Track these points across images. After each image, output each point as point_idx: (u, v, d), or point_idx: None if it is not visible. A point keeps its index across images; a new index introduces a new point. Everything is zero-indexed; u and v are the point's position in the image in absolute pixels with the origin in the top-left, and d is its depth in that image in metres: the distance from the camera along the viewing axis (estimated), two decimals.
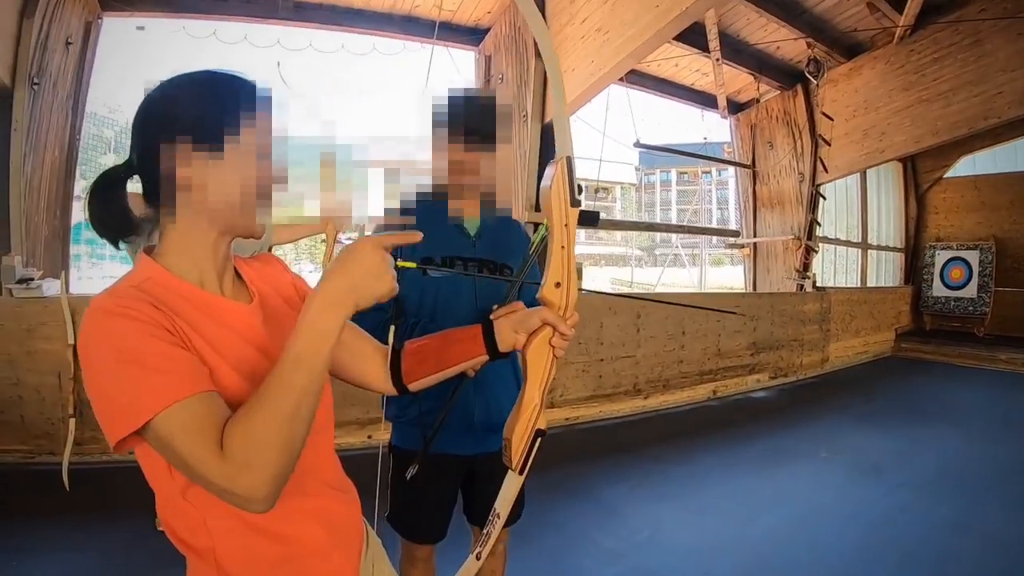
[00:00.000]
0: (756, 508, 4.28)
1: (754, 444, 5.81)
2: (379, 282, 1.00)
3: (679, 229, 12.22)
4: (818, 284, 10.18)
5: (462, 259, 2.02)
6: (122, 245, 1.08)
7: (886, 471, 5.07)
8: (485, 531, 1.44)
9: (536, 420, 1.32)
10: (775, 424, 6.59)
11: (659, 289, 14.34)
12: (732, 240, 11.98)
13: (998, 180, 12.50)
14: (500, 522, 1.42)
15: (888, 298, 12.16)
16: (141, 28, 6.73)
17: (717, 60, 8.94)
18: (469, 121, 1.70)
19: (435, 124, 1.72)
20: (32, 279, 4.69)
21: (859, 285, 12.57)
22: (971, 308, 12.06)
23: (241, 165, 1.03)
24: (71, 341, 4.40)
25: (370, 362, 1.35)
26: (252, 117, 1.04)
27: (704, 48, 8.79)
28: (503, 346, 1.33)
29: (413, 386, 1.35)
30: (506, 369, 2.10)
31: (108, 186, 1.04)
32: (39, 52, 5.21)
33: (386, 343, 1.42)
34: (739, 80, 10.32)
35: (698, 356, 7.47)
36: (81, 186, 6.08)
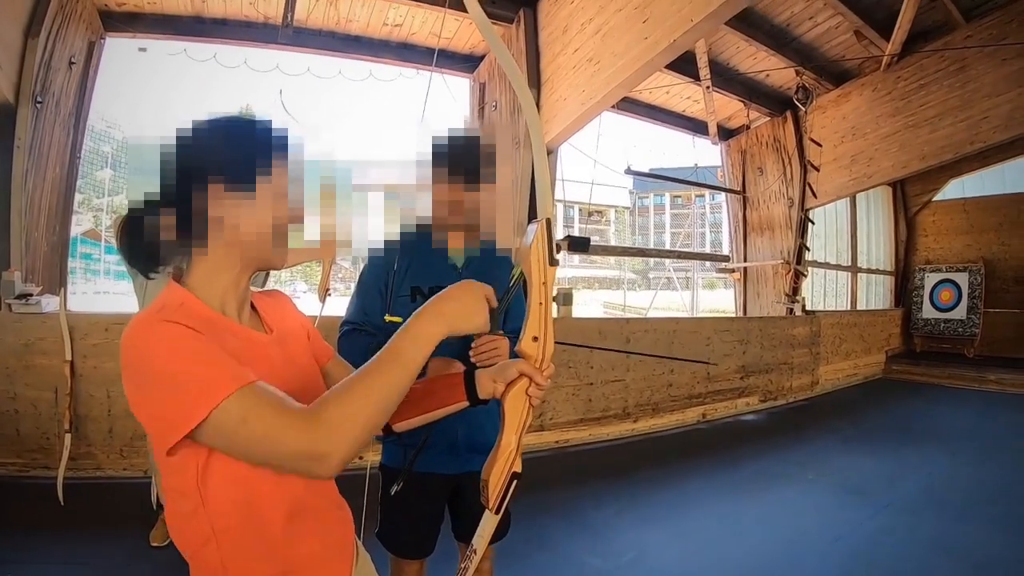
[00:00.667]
0: (741, 531, 4.31)
1: (742, 467, 5.83)
2: (476, 317, 1.17)
3: (669, 254, 12.30)
4: (808, 308, 10.28)
5: (441, 288, 2.08)
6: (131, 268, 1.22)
7: (872, 493, 5.10)
8: (463, 565, 1.51)
9: (512, 464, 1.41)
10: (763, 447, 6.62)
11: (652, 312, 14.38)
12: (723, 264, 12.09)
13: (986, 203, 12.67)
14: (476, 558, 1.49)
15: (878, 321, 12.25)
16: (143, 49, 6.84)
17: (708, 88, 9.06)
18: (453, 160, 1.76)
19: (419, 163, 1.78)
20: (31, 295, 4.74)
21: (849, 308, 12.65)
22: (961, 330, 12.17)
23: (272, 204, 1.14)
24: (68, 357, 4.45)
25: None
26: (283, 159, 1.16)
27: (695, 76, 8.93)
28: (483, 394, 1.44)
29: (397, 427, 1.45)
30: None
31: (139, 221, 1.12)
32: (43, 71, 5.28)
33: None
34: (729, 107, 10.46)
35: (688, 380, 7.52)
36: (78, 200, 6.15)
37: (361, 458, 5.14)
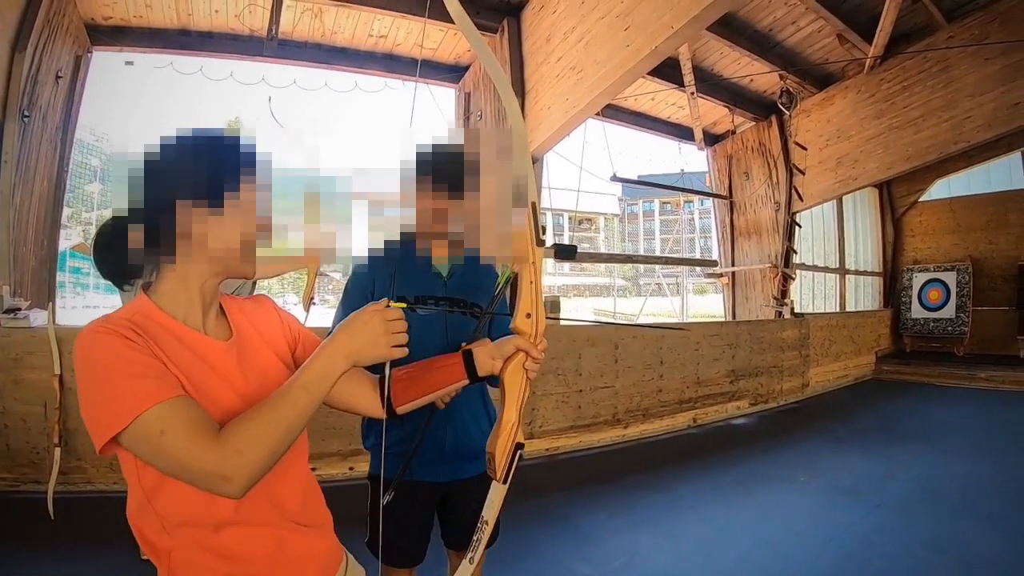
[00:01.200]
0: (733, 534, 4.32)
1: (733, 471, 5.83)
2: (376, 349, 1.21)
3: (657, 260, 12.36)
4: (796, 310, 10.32)
5: (434, 298, 2.13)
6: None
7: (864, 493, 5.11)
8: (475, 537, 1.55)
9: (515, 435, 1.49)
10: (754, 450, 6.62)
11: (641, 318, 14.44)
12: (711, 269, 12.14)
13: (973, 202, 12.78)
14: (488, 528, 1.54)
15: (867, 322, 12.29)
16: (130, 63, 6.87)
17: (692, 94, 9.14)
18: (437, 170, 1.79)
19: (403, 175, 1.81)
20: (19, 309, 4.73)
21: (838, 310, 12.71)
22: (950, 328, 12.24)
23: (240, 219, 1.18)
24: (57, 371, 4.42)
25: (362, 389, 1.48)
26: (251, 173, 1.19)
27: (679, 82, 8.99)
28: (482, 371, 1.51)
29: (400, 409, 1.49)
30: (476, 401, 2.23)
31: (113, 235, 1.18)
32: (30, 85, 5.28)
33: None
34: (714, 112, 10.54)
35: (677, 385, 7.52)
36: (67, 214, 6.14)
37: (351, 468, 5.13)
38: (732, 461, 6.18)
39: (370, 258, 2.06)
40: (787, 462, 6.11)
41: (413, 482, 2.13)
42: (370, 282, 2.12)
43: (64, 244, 5.64)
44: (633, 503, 4.88)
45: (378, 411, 1.48)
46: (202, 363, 1.17)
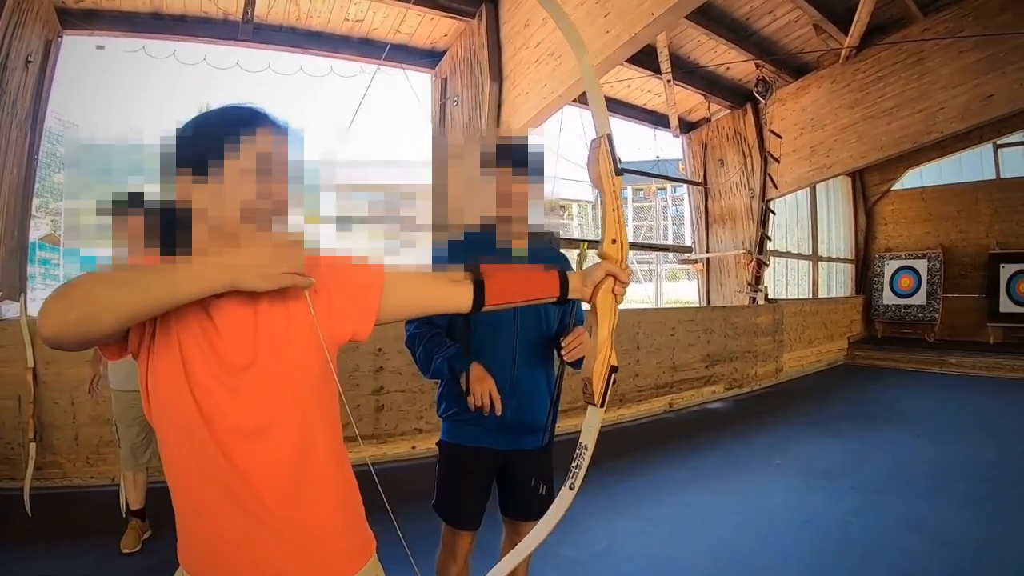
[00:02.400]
0: (711, 516, 4.37)
1: (709, 454, 5.90)
2: (258, 273, 1.06)
3: (633, 247, 12.41)
4: (770, 296, 10.47)
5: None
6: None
7: (839, 475, 5.19)
8: (575, 463, 1.60)
9: (609, 358, 1.54)
10: (730, 434, 6.72)
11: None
12: (685, 256, 12.22)
13: (944, 191, 12.98)
14: (588, 453, 1.59)
15: (840, 308, 12.51)
16: (101, 47, 6.72)
17: (668, 81, 9.15)
18: (518, 157, 1.91)
19: (483, 160, 1.91)
20: None
21: (811, 296, 12.84)
22: (921, 315, 12.46)
23: (234, 187, 1.14)
24: (30, 364, 4.34)
25: (451, 294, 1.43)
26: (247, 140, 1.15)
27: (656, 70, 9.00)
28: (572, 294, 1.52)
29: (488, 308, 1.46)
30: (540, 379, 2.35)
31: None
32: None
33: (422, 347, 2.18)
34: (690, 100, 10.56)
35: (653, 370, 7.59)
36: (35, 204, 6.03)
37: (414, 448, 5.18)
38: (709, 445, 6.26)
39: (450, 247, 2.04)
40: (763, 445, 6.20)
41: (476, 448, 2.31)
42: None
43: (33, 235, 5.52)
44: (612, 487, 4.91)
45: (464, 306, 1.43)
46: (191, 315, 1.13)
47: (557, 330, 2.35)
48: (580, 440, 1.60)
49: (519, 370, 2.27)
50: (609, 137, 1.54)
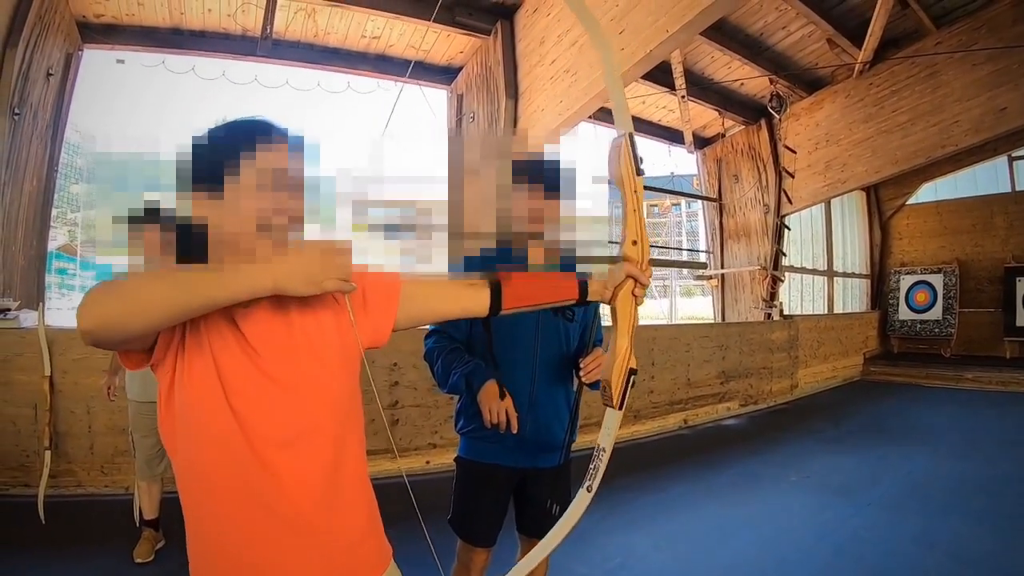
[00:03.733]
0: (726, 533, 4.34)
1: (725, 471, 5.86)
2: (306, 279, 1.07)
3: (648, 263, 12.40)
4: (785, 312, 10.42)
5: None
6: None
7: (854, 491, 5.15)
8: (592, 465, 1.62)
9: (628, 361, 1.55)
10: (745, 451, 6.66)
11: None
12: (700, 272, 12.21)
13: (959, 205, 12.92)
14: (606, 455, 1.61)
15: (855, 323, 12.42)
16: (121, 61, 6.82)
17: (683, 97, 9.18)
18: (549, 176, 1.89)
19: (515, 176, 1.90)
20: (9, 309, 4.71)
21: (826, 312, 12.80)
22: (937, 330, 12.38)
23: (246, 202, 1.16)
24: (47, 372, 4.37)
25: (467, 298, 1.44)
26: (251, 156, 1.16)
27: (670, 86, 9.04)
28: (592, 296, 1.52)
29: (505, 311, 1.46)
30: (560, 397, 2.34)
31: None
32: (21, 82, 5.22)
33: (440, 361, 2.21)
34: (704, 116, 10.61)
35: (668, 386, 7.57)
36: (53, 215, 6.08)
37: (428, 462, 5.19)
38: (723, 461, 6.22)
39: (466, 263, 2.08)
40: (778, 462, 6.16)
41: (492, 465, 2.30)
42: None
43: (50, 245, 5.58)
44: (627, 503, 4.89)
45: (481, 310, 1.45)
46: (222, 321, 1.16)
47: (577, 348, 2.34)
48: (598, 443, 1.62)
49: (538, 387, 2.26)
50: (631, 136, 1.55)
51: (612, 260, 1.54)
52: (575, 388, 2.36)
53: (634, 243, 1.54)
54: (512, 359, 2.26)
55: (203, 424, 1.13)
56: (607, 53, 1.65)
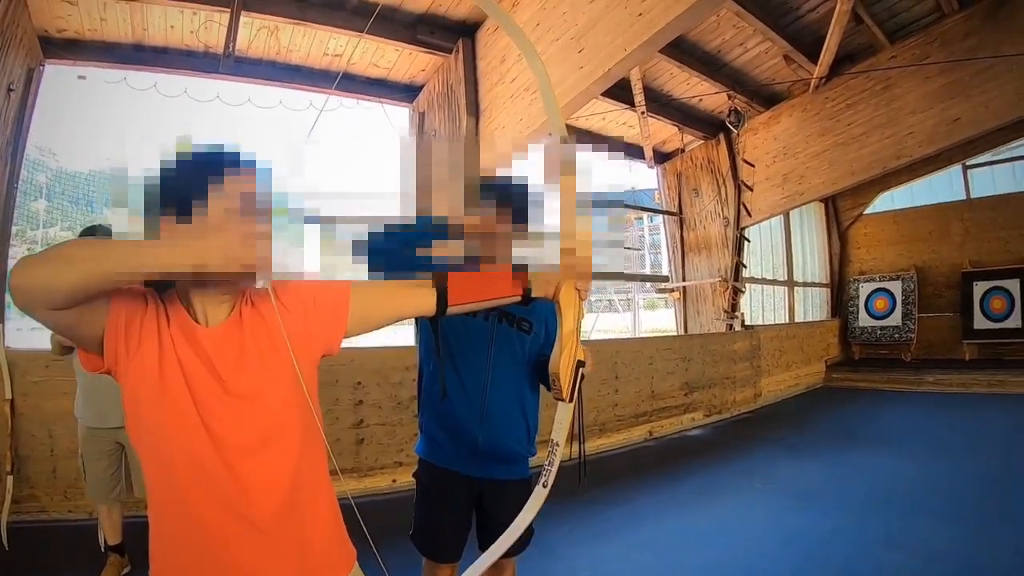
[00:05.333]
0: (693, 542, 4.40)
1: (690, 481, 5.94)
2: (225, 258, 1.13)
3: (610, 277, 12.51)
4: (747, 323, 10.60)
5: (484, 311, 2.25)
6: None
7: (819, 496, 5.24)
8: (547, 460, 1.67)
9: (576, 353, 1.60)
10: (710, 460, 6.75)
11: (594, 335, 14.57)
12: (662, 285, 12.33)
13: (916, 213, 13.24)
14: (560, 449, 1.66)
15: (816, 331, 12.64)
16: (83, 77, 6.71)
17: (643, 113, 9.28)
18: (517, 199, 1.92)
19: (483, 196, 1.90)
20: None
21: (787, 321, 12.96)
22: (897, 335, 12.62)
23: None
24: (8, 396, 4.31)
25: (409, 293, 1.49)
26: (219, 184, 1.21)
27: (630, 102, 9.14)
28: (536, 293, 1.57)
29: (451, 310, 1.50)
30: (514, 408, 2.36)
31: None
32: None
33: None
34: (664, 131, 10.76)
35: (632, 399, 7.63)
36: (13, 232, 5.98)
37: (395, 481, 5.16)
38: (690, 471, 6.29)
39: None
40: (743, 470, 6.24)
41: (450, 472, 2.31)
42: None
43: (10, 263, 5.48)
44: (594, 515, 4.92)
45: (429, 309, 1.49)
46: (187, 341, 1.23)
47: (535, 361, 2.36)
48: (552, 437, 1.67)
49: (490, 397, 2.29)
50: (563, 140, 1.61)
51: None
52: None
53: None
54: (465, 368, 2.29)
55: (176, 438, 1.20)
56: (535, 61, 1.74)
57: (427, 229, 1.63)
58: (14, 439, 4.35)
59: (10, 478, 4.25)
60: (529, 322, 2.35)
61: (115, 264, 1.06)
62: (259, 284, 1.32)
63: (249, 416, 1.24)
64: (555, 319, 1.68)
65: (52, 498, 4.53)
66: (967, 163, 12.27)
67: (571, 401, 1.64)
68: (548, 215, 1.66)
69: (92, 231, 3.32)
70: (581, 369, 1.63)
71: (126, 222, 1.19)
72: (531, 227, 1.86)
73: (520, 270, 1.60)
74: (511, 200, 1.90)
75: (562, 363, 1.60)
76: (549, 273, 1.58)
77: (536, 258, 1.66)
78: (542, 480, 1.68)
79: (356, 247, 1.58)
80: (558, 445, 1.67)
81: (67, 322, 1.11)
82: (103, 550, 3.74)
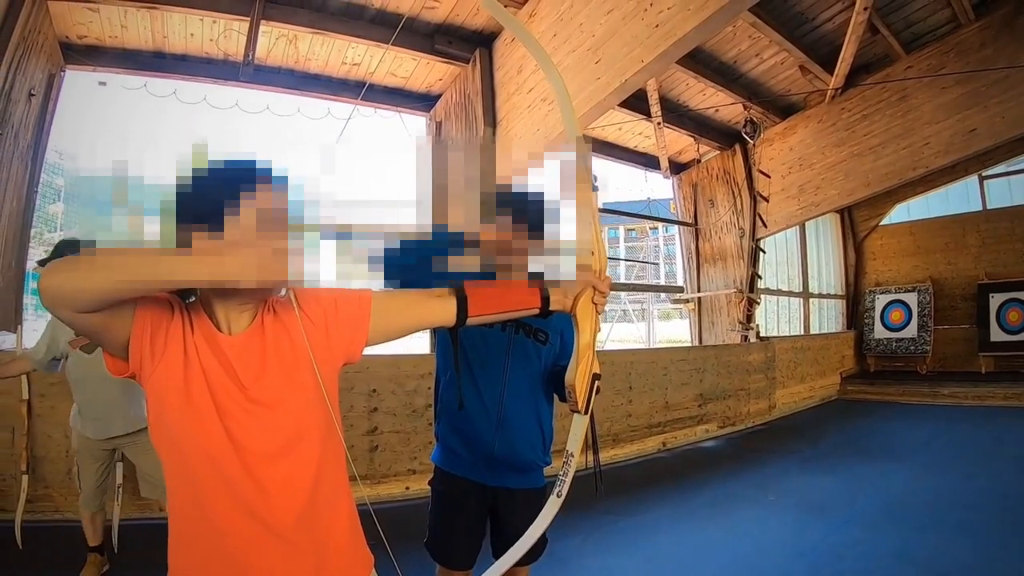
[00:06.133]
0: (705, 553, 4.38)
1: (703, 492, 5.91)
2: (243, 273, 1.13)
3: (624, 287, 12.49)
4: (762, 334, 10.56)
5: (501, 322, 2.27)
6: None
7: (832, 510, 5.20)
8: (562, 471, 1.69)
9: (592, 366, 1.63)
10: (724, 472, 6.72)
11: (609, 345, 14.54)
12: (677, 295, 12.31)
13: (932, 225, 13.14)
14: (574, 460, 1.69)
15: (831, 343, 12.56)
16: (103, 83, 6.80)
17: (659, 124, 9.28)
18: (533, 212, 1.90)
19: (499, 208, 1.90)
20: None
21: (802, 333, 12.91)
22: (912, 348, 12.51)
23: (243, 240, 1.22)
24: (25, 396, 4.35)
25: (428, 305, 1.52)
26: (252, 195, 1.23)
27: (646, 113, 9.15)
28: (554, 306, 1.60)
29: (471, 320, 1.53)
30: (530, 417, 2.37)
31: None
32: (2, 102, 5.17)
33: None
34: (680, 142, 10.77)
35: (646, 409, 7.62)
36: (32, 234, 6.03)
37: (408, 488, 5.18)
38: (702, 483, 6.26)
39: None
40: (756, 482, 6.20)
41: (464, 481, 2.34)
42: None
43: (29, 265, 5.55)
44: (607, 527, 4.91)
45: (449, 319, 1.51)
46: (211, 351, 1.26)
47: (550, 370, 2.38)
48: (567, 448, 1.70)
49: (507, 407, 2.31)
50: (579, 149, 1.65)
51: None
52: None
53: (592, 253, 1.63)
54: (482, 378, 2.31)
55: (198, 445, 1.22)
56: (557, 81, 1.76)
57: (442, 244, 1.65)
58: (30, 439, 4.39)
59: (25, 477, 4.29)
60: (545, 333, 2.37)
61: (146, 274, 1.07)
62: (281, 293, 1.36)
63: (271, 423, 1.26)
64: (570, 329, 1.71)
65: (66, 498, 4.57)
66: (983, 174, 12.19)
67: (586, 413, 1.67)
68: (564, 227, 1.68)
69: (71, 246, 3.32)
70: (596, 382, 1.66)
71: (143, 229, 1.21)
72: (547, 239, 1.85)
73: (537, 282, 1.63)
74: (527, 212, 1.89)
75: (578, 375, 1.63)
76: (566, 285, 1.61)
77: (552, 270, 1.68)
78: (556, 490, 1.70)
79: (372, 263, 1.60)
80: (572, 456, 1.70)
81: (92, 324, 1.12)
82: (89, 550, 3.80)
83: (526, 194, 1.93)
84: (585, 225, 1.62)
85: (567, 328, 1.98)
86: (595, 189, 1.66)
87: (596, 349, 1.68)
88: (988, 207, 12.53)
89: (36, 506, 4.46)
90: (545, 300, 1.59)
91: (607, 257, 1.67)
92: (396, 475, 5.49)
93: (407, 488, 5.48)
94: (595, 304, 1.64)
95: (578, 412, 1.67)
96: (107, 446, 3.69)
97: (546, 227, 1.87)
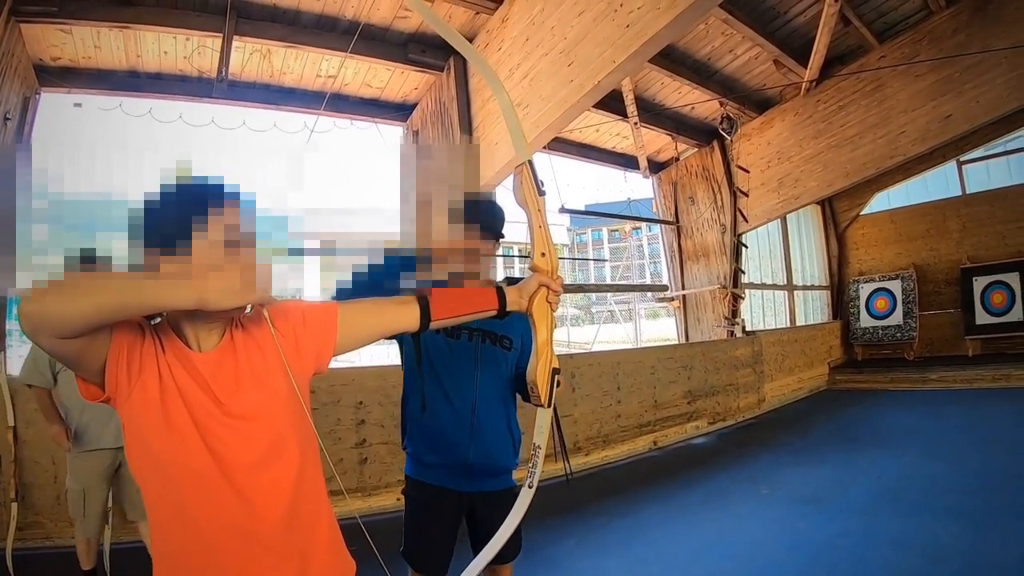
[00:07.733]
0: (700, 551, 4.39)
1: (696, 489, 5.93)
2: (226, 296, 1.16)
3: (608, 288, 12.54)
4: (748, 328, 10.60)
5: (468, 328, 2.36)
6: None
7: (825, 500, 5.22)
8: (531, 463, 1.76)
9: (551, 362, 1.72)
10: (715, 468, 6.74)
11: (596, 346, 14.56)
12: (662, 294, 12.33)
13: (912, 212, 13.25)
14: (542, 451, 1.77)
15: (818, 334, 12.64)
16: (78, 105, 6.74)
17: (636, 124, 9.28)
18: (484, 218, 2.00)
19: (451, 217, 1.89)
20: None
21: (788, 325, 12.96)
22: (899, 334, 12.60)
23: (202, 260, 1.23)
24: (11, 423, 4.32)
25: (398, 314, 1.55)
26: (219, 212, 1.26)
27: (623, 113, 9.15)
28: (510, 306, 1.66)
29: (434, 324, 1.58)
30: (501, 423, 2.41)
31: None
32: None
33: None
34: (658, 141, 10.79)
35: (635, 409, 7.63)
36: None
37: (399, 499, 5.14)
38: (695, 480, 6.28)
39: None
40: (749, 476, 6.23)
41: (440, 489, 2.37)
42: None
43: (11, 291, 5.45)
44: (599, 528, 4.93)
45: (413, 324, 1.56)
46: (183, 367, 1.27)
47: (512, 374, 2.43)
48: (534, 440, 1.77)
49: (479, 414, 2.34)
50: (530, 163, 1.75)
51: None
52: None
53: (543, 255, 1.72)
54: (453, 389, 2.35)
55: (180, 461, 1.23)
56: (500, 92, 1.83)
57: (392, 268, 1.70)
58: (18, 467, 4.36)
59: (15, 505, 4.26)
60: (509, 339, 2.42)
61: (131, 298, 1.09)
62: (247, 309, 1.38)
63: (250, 435, 1.29)
64: (531, 334, 1.77)
65: (56, 525, 4.53)
66: (961, 159, 12.31)
67: (549, 406, 1.76)
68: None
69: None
70: (557, 376, 1.74)
71: (123, 252, 1.24)
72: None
73: (492, 283, 1.73)
74: (479, 216, 1.93)
75: (539, 371, 1.71)
76: (521, 286, 1.69)
77: (507, 272, 1.72)
78: (527, 481, 1.77)
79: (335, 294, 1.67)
80: (540, 447, 1.77)
81: (71, 351, 1.13)
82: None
83: (478, 200, 1.97)
84: (536, 229, 1.72)
85: (528, 331, 2.01)
86: (542, 194, 1.75)
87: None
88: (967, 192, 12.63)
89: (26, 533, 4.42)
90: (502, 301, 1.65)
91: (558, 258, 1.76)
92: (387, 486, 5.46)
93: (398, 499, 5.44)
94: (549, 303, 1.72)
95: (541, 406, 1.76)
96: (108, 457, 3.66)
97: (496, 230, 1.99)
